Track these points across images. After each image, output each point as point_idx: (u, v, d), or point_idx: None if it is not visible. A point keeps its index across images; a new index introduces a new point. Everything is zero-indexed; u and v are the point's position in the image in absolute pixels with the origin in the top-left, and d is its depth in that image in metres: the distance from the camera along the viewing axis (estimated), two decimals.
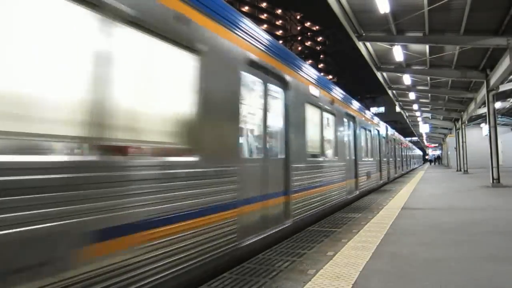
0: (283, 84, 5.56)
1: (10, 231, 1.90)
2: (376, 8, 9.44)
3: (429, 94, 21.33)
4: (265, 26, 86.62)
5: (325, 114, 7.67)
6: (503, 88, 15.11)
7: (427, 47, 13.15)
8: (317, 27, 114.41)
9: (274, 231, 4.94)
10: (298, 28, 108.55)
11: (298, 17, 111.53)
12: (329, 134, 7.97)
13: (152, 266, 2.79)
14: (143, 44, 2.95)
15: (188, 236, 3.19)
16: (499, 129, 15.80)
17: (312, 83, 6.82)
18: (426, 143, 65.69)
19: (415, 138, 64.90)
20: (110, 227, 2.45)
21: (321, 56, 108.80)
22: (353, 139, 10.25)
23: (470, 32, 10.98)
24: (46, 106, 2.25)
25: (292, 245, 4.67)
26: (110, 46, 2.59)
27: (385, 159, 15.88)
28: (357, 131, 10.56)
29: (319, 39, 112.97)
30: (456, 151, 29.42)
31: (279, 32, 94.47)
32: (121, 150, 2.68)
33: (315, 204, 6.60)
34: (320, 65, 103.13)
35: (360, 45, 12.91)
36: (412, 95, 21.14)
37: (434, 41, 12.01)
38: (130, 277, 2.59)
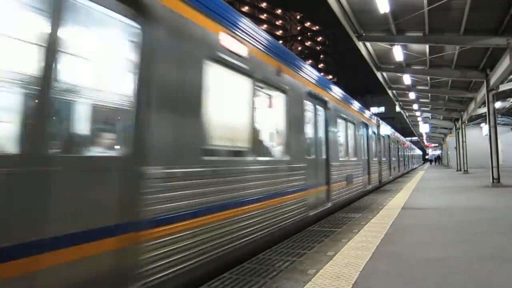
0: (324, 104, 7.61)
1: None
2: (376, 8, 9.43)
3: (429, 94, 21.30)
4: (265, 26, 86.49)
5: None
6: (503, 88, 15.11)
7: (427, 47, 13.13)
8: (317, 27, 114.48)
9: (322, 209, 7.09)
10: (298, 28, 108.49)
11: (298, 17, 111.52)
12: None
13: (279, 218, 5.17)
14: (269, 94, 5.54)
15: (288, 204, 5.48)
16: (499, 129, 15.76)
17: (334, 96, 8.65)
18: (426, 143, 65.68)
19: (415, 138, 64.87)
20: (275, 193, 5.08)
21: (321, 56, 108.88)
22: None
23: (470, 32, 10.96)
24: (243, 131, 4.55)
25: (292, 245, 4.69)
26: (258, 97, 5.01)
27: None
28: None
29: (319, 39, 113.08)
30: (456, 151, 29.40)
31: (279, 32, 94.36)
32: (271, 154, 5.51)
33: (344, 193, 8.74)
34: (320, 65, 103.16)
35: (360, 45, 12.90)
36: (412, 95, 21.05)
37: (434, 41, 11.99)
38: (278, 221, 5.14)
